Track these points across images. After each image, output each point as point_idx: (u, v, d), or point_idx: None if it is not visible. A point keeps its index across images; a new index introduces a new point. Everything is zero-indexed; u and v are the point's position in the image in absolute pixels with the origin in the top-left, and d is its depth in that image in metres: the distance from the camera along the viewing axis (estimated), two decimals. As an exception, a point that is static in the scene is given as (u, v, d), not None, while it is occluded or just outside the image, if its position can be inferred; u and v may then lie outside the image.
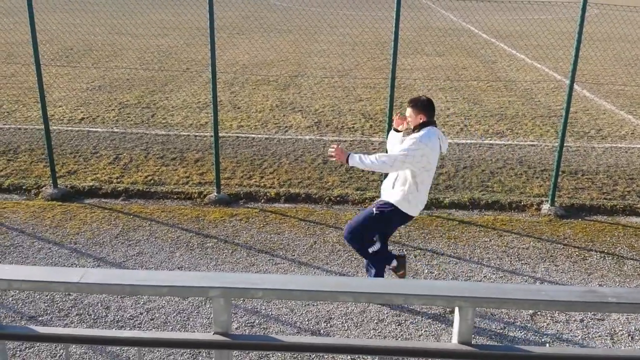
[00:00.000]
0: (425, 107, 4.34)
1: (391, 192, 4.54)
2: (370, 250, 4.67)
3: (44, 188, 6.80)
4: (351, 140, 8.83)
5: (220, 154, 6.84)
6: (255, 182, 7.21)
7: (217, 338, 1.73)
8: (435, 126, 4.42)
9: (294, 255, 5.58)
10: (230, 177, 7.31)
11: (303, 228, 6.14)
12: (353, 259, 5.51)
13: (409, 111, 4.40)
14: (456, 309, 1.68)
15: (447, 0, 29.41)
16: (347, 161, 4.37)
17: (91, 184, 6.97)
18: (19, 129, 8.90)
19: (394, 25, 6.18)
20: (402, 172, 4.43)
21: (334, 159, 4.45)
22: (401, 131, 4.64)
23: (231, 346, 1.75)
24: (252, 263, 5.44)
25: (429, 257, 5.56)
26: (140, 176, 7.25)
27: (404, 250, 5.70)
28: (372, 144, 8.71)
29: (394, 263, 4.80)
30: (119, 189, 6.87)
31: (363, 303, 4.59)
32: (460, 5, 26.38)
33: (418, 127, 4.36)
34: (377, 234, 4.69)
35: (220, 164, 6.82)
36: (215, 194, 6.80)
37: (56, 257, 5.39)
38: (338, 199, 6.86)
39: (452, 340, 1.74)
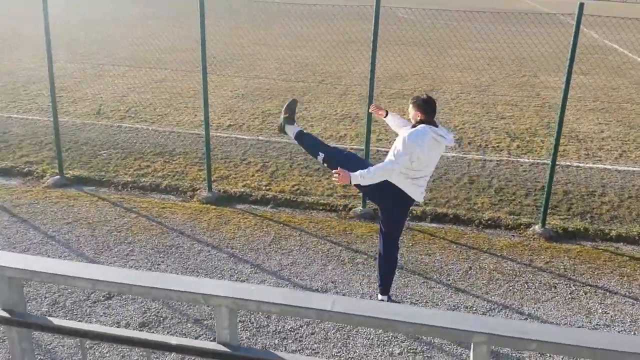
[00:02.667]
0: (421, 105, 4.48)
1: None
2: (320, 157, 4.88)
3: (199, 191, 7.09)
4: (497, 160, 8.40)
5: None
6: (401, 198, 7.04)
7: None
8: (435, 125, 4.47)
9: (449, 280, 5.33)
10: (374, 191, 7.20)
11: (455, 251, 5.87)
12: (515, 289, 5.16)
13: (409, 108, 4.57)
14: None
15: (587, 16, 27.58)
16: (349, 181, 4.47)
17: (242, 189, 7.16)
18: (173, 132, 9.41)
19: (571, 42, 5.77)
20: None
21: (338, 182, 4.55)
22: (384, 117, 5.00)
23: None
24: (405, 284, 5.26)
25: (601, 296, 5.07)
26: (287, 185, 7.35)
27: (572, 285, 5.24)
28: (522, 165, 8.22)
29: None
30: (267, 196, 7.01)
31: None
32: (604, 21, 24.64)
33: (416, 124, 4.52)
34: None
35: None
36: (361, 207, 6.73)
37: (215, 260, 5.54)
38: (489, 222, 6.51)
39: None
